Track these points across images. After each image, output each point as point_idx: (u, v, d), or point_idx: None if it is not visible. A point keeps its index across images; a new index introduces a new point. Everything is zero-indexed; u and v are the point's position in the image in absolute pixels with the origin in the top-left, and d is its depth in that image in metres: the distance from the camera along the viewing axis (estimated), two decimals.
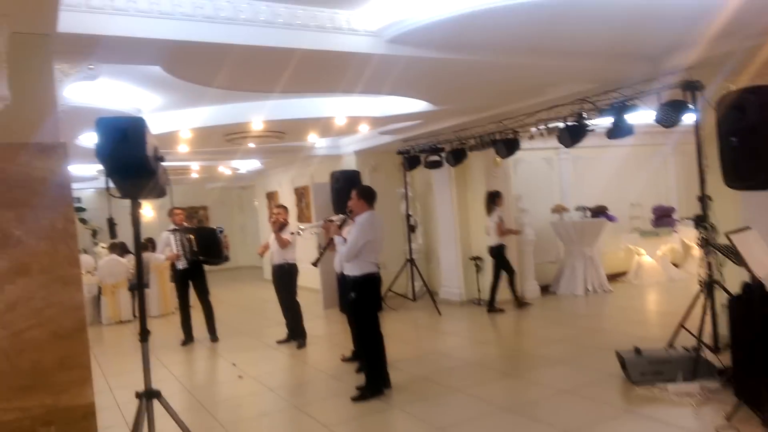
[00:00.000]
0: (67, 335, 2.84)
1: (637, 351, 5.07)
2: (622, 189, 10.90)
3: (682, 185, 12.04)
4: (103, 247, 11.84)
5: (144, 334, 3.25)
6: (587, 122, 6.05)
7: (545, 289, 9.78)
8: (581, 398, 4.79)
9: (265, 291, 13.16)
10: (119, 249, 11.19)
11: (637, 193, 11.00)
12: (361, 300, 5.16)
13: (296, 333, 7.42)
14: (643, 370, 4.95)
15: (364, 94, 6.01)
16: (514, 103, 6.46)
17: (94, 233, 15.26)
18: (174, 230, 7.85)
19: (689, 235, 10.57)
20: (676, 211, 10.74)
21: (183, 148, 8.44)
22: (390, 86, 5.31)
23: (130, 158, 3.10)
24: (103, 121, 3.16)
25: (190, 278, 7.83)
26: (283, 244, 7.13)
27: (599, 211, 9.63)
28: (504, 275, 8.62)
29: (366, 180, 9.84)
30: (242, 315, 10.20)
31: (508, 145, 7.06)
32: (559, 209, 9.77)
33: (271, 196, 14.06)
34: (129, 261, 10.94)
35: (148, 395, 3.23)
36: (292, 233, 7.12)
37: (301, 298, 7.49)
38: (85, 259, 12.03)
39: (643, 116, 5.65)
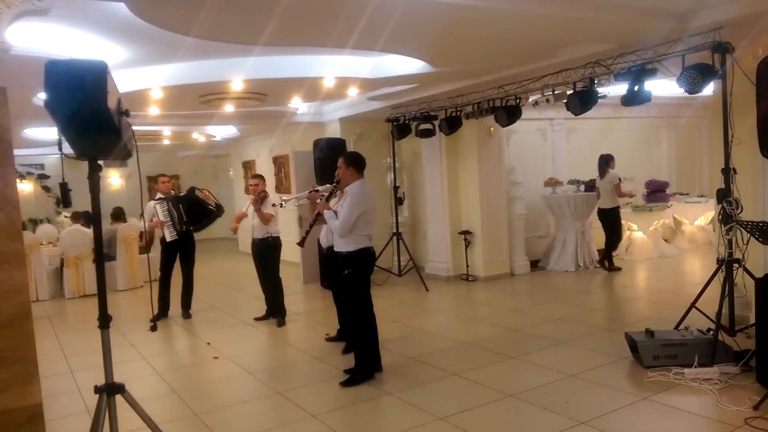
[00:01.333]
0: (7, 323, 2.32)
1: (649, 333, 4.72)
2: (621, 163, 10.55)
3: (675, 159, 11.79)
4: (66, 217, 11.11)
5: (104, 320, 2.71)
6: (598, 88, 5.58)
7: (534, 264, 9.45)
8: (590, 383, 4.44)
9: (241, 264, 12.62)
10: (83, 219, 10.51)
11: (629, 167, 10.67)
12: (355, 276, 4.70)
13: (276, 310, 6.94)
14: (656, 353, 4.61)
15: (356, 51, 5.43)
16: (519, 66, 5.94)
17: (58, 202, 14.42)
18: (160, 199, 7.24)
19: (681, 211, 10.37)
20: (670, 185, 10.46)
21: (153, 110, 7.76)
22: (385, 40, 4.75)
23: (89, 111, 2.53)
24: (54, 64, 2.57)
25: (178, 250, 7.28)
26: (266, 220, 6.59)
27: (592, 185, 9.26)
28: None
29: (350, 149, 9.29)
30: (217, 289, 9.64)
31: (509, 113, 6.57)
32: (552, 182, 9.38)
33: (247, 166, 13.40)
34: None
35: (110, 390, 2.71)
36: (274, 205, 6.56)
37: (281, 272, 7.00)
38: (48, 229, 11.33)
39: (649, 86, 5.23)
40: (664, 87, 6.91)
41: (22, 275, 2.41)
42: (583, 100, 5.57)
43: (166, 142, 12.17)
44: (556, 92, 6.02)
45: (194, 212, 7.27)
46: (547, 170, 10.10)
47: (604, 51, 5.24)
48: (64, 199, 2.79)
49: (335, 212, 4.76)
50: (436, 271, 9.19)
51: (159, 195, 7.31)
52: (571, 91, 5.73)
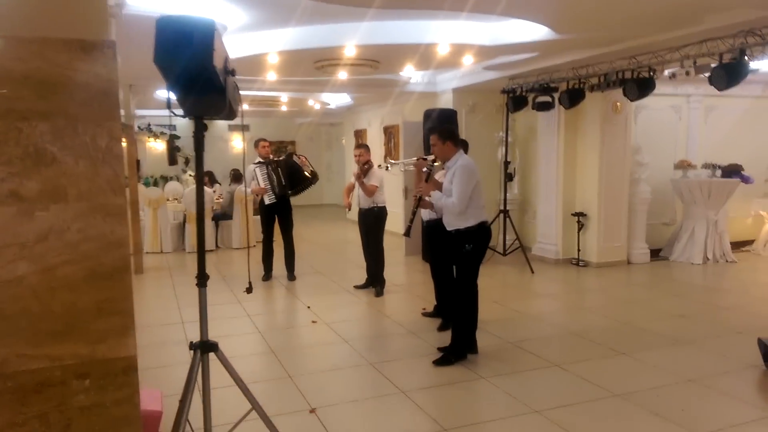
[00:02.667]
0: (107, 275, 2.38)
1: None
2: (759, 147, 9.39)
3: None
4: (190, 176, 11.86)
5: (201, 278, 2.76)
6: (749, 61, 4.86)
7: (655, 254, 8.70)
8: (711, 391, 3.97)
9: (348, 231, 12.85)
10: (207, 178, 11.15)
11: None
12: (474, 252, 4.51)
13: (376, 280, 6.95)
14: None
15: (474, 14, 5.13)
16: (656, 34, 5.32)
17: (187, 161, 15.47)
18: (260, 163, 7.47)
19: None
20: None
21: (271, 75, 7.94)
22: (506, 3, 4.42)
23: (195, 68, 2.53)
24: (164, 20, 2.59)
25: (276, 213, 7.51)
26: (369, 193, 6.55)
27: (732, 170, 8.29)
28: None
29: (462, 121, 9.02)
30: (322, 254, 9.87)
31: (640, 85, 5.95)
32: (683, 165, 8.51)
33: (359, 134, 13.51)
34: (215, 190, 10.86)
35: (204, 347, 2.78)
36: (379, 166, 6.47)
37: (384, 243, 6.96)
38: (174, 187, 12.16)
39: None
40: None
41: (123, 229, 2.46)
42: (730, 75, 4.88)
43: (283, 108, 12.55)
44: (697, 64, 5.34)
45: (292, 177, 7.38)
46: (678, 151, 9.18)
47: (759, 18, 4.52)
48: (170, 157, 2.84)
49: (439, 190, 4.58)
50: (543, 252, 8.74)
51: (258, 159, 7.51)
52: (716, 64, 5.05)
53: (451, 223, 4.53)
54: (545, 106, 7.59)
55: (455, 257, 4.63)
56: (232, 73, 2.82)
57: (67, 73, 2.35)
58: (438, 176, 4.95)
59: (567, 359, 4.58)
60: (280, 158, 7.69)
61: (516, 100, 7.95)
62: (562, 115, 8.17)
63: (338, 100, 12.26)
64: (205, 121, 2.81)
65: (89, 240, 2.32)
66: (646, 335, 5.19)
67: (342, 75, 7.60)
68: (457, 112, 8.53)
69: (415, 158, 5.45)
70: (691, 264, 8.29)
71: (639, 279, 7.63)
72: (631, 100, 6.20)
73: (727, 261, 8.33)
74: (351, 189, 6.90)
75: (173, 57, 2.54)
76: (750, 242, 9.23)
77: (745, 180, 8.27)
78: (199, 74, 2.56)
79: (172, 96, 2.70)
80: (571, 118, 8.23)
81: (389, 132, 11.66)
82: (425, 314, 5.90)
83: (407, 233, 5.02)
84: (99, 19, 2.55)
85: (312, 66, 6.97)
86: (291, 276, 7.66)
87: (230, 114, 2.87)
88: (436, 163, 5.56)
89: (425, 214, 5.53)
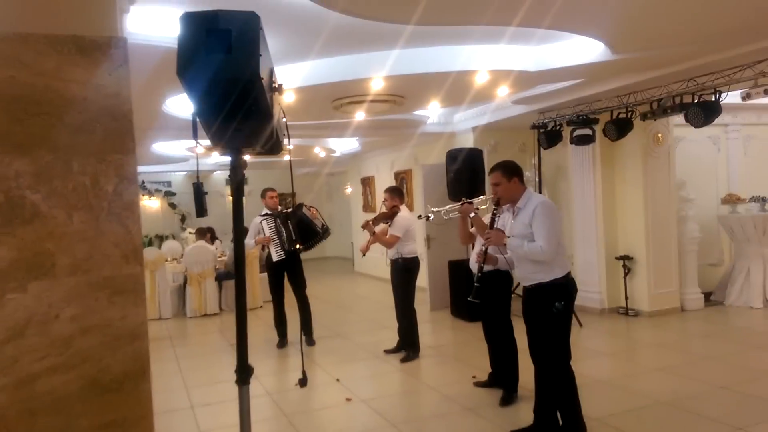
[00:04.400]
0: (115, 386, 1.57)
1: None
2: None
3: None
4: (190, 233, 11.03)
5: (243, 373, 1.93)
6: None
7: (706, 298, 7.87)
8: None
9: (358, 285, 11.97)
10: (208, 234, 10.33)
11: None
12: (565, 312, 3.67)
13: (406, 343, 6.06)
14: None
15: (515, 37, 4.47)
16: (726, 50, 4.69)
17: (183, 219, 14.67)
18: (267, 215, 6.68)
19: None
20: None
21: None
22: (557, 12, 3.75)
23: (233, 77, 1.77)
24: (191, 17, 1.84)
25: (285, 270, 6.66)
26: (387, 244, 5.79)
27: None
28: None
29: (486, 162, 8.31)
30: (337, 313, 8.95)
31: (706, 110, 5.28)
32: (732, 199, 7.80)
33: (366, 182, 12.80)
34: (217, 248, 10.02)
35: None
36: (420, 216, 5.67)
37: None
38: (173, 245, 11.30)
39: None
40: None
41: (140, 313, 1.63)
42: None
43: (286, 158, 11.85)
44: None
45: (302, 230, 6.60)
46: (720, 185, 8.50)
47: None
48: (199, 206, 2.04)
49: (507, 235, 3.79)
50: (585, 302, 7.89)
51: (265, 211, 6.73)
52: None
53: (531, 277, 3.70)
54: (585, 140, 6.89)
55: (537, 321, 3.77)
56: (279, 89, 2.07)
57: (56, 85, 1.59)
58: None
59: None
60: (289, 210, 6.92)
61: (549, 135, 7.27)
62: (598, 150, 7.50)
63: (345, 147, 11.60)
64: (244, 158, 2.03)
65: (88, 333, 1.52)
66: (756, 402, 4.31)
67: (359, 115, 6.92)
68: (482, 151, 7.85)
69: (459, 203, 4.70)
70: (750, 308, 7.46)
71: (702, 329, 6.76)
72: (696, 127, 5.50)
73: None
74: (371, 242, 6.04)
75: (203, 63, 1.79)
76: None
77: None
78: (238, 86, 1.80)
79: (198, 121, 1.94)
80: (608, 153, 7.55)
81: (401, 177, 10.96)
82: (477, 384, 5.01)
83: (476, 297, 4.16)
84: (103, 8, 1.79)
85: (329, 105, 6.28)
86: (310, 341, 6.76)
87: (275, 146, 2.09)
88: (483, 206, 4.83)
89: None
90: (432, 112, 8.47)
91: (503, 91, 5.97)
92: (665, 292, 7.40)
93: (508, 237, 3.76)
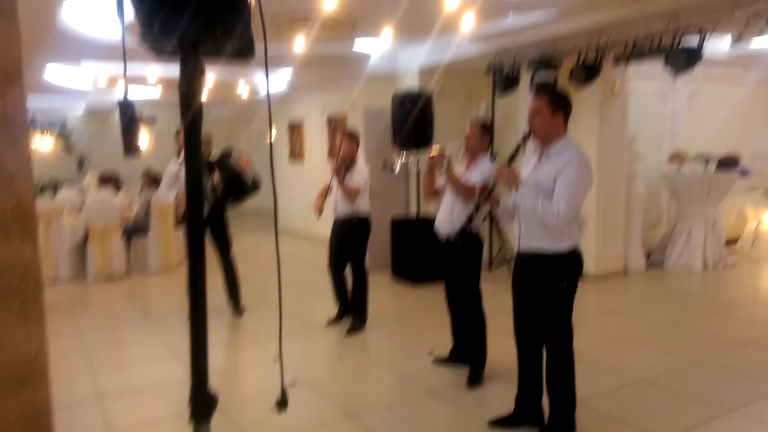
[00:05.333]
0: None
1: None
2: (741, 136, 8.76)
3: None
4: (92, 180, 9.65)
5: (201, 406, 1.25)
6: None
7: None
8: None
9: (286, 244, 11.09)
10: (113, 183, 9.05)
11: (760, 143, 8.90)
12: (567, 292, 3.09)
13: (356, 313, 5.40)
14: None
15: None
16: None
17: (81, 162, 13.01)
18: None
19: None
20: None
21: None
22: None
23: None
24: None
25: (207, 228, 5.74)
26: (352, 194, 5.04)
27: (729, 163, 7.51)
28: None
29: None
30: (268, 277, 8.11)
31: (689, 55, 4.79)
32: (679, 158, 7.63)
33: (294, 128, 11.78)
34: (125, 198, 8.81)
35: None
36: (385, 167, 4.90)
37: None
38: (70, 195, 9.88)
39: None
40: None
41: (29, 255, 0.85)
42: None
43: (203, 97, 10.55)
44: None
45: (231, 182, 5.72)
46: (664, 142, 8.34)
47: None
48: (128, 137, 1.36)
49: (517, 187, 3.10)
50: None
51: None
52: None
53: (531, 241, 3.09)
54: (546, 85, 6.31)
55: (530, 298, 3.21)
56: None
57: None
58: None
59: (668, 425, 3.33)
60: (215, 156, 5.95)
61: (506, 80, 6.65)
62: None
63: (270, 88, 10.45)
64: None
65: None
66: (737, 378, 4.05)
67: (299, 42, 5.88)
68: (432, 96, 7.16)
69: (432, 150, 4.01)
70: (690, 270, 7.42)
71: (652, 293, 6.56)
72: (676, 73, 5.01)
73: (724, 266, 7.52)
74: (327, 191, 5.29)
75: None
76: (734, 242, 8.57)
77: (744, 173, 7.52)
78: None
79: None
80: None
81: (334, 123, 10.07)
82: (438, 360, 4.47)
83: (460, 237, 3.57)
84: None
85: (268, 25, 5.27)
86: (237, 309, 5.95)
87: (247, 47, 1.36)
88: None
89: (447, 225, 4.08)
90: (375, 48, 7.59)
91: (468, 22, 5.17)
92: (611, 255, 7.19)
93: (522, 183, 3.07)
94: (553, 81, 6.24)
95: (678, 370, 4.21)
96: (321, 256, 5.88)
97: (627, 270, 7.36)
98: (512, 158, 3.17)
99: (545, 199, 2.95)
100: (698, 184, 7.39)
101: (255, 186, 5.85)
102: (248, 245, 10.61)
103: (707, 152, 7.74)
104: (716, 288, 6.75)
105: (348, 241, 5.26)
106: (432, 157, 3.92)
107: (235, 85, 9.55)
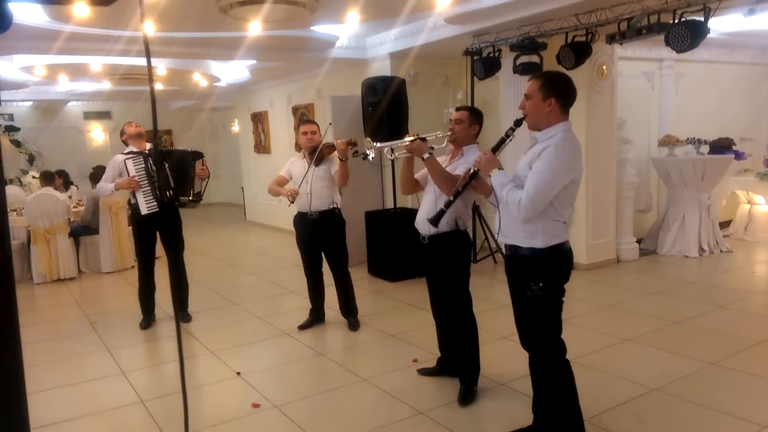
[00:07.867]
0: None
1: None
2: (729, 118, 8.39)
3: None
4: (34, 177, 8.82)
5: None
6: None
7: None
8: None
9: (253, 237, 10.47)
10: (60, 180, 8.30)
11: (747, 126, 8.56)
12: (546, 297, 2.62)
13: (348, 309, 4.98)
14: None
15: None
16: None
17: (31, 159, 12.11)
18: (133, 154, 5.00)
19: None
20: None
21: (149, 27, 5.46)
22: None
23: None
24: None
25: (158, 228, 5.06)
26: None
27: (723, 146, 7.12)
28: None
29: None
30: (229, 275, 7.48)
31: (692, 30, 4.31)
32: (671, 141, 7.20)
33: (258, 118, 11.08)
34: (71, 196, 8.05)
35: None
36: (356, 154, 4.30)
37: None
38: (15, 192, 9.06)
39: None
40: None
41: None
42: None
43: (158, 86, 9.80)
44: None
45: (182, 176, 5.09)
46: (652, 125, 7.93)
47: None
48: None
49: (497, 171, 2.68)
50: None
51: (131, 148, 5.07)
52: None
53: (508, 233, 2.69)
54: (531, 69, 5.77)
55: (513, 297, 2.77)
56: None
57: None
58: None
59: None
60: (165, 150, 5.28)
61: (486, 63, 6.11)
62: None
63: (231, 76, 9.76)
64: None
65: None
66: (763, 383, 3.59)
67: (254, 26, 5.33)
68: (405, 82, 6.61)
69: (409, 139, 3.43)
70: (685, 257, 7.01)
71: (650, 284, 6.03)
72: (678, 52, 4.52)
73: (722, 251, 7.16)
74: (283, 181, 4.78)
75: None
76: (726, 225, 8.21)
77: (739, 156, 7.13)
78: None
79: None
80: None
81: (300, 112, 9.41)
82: (423, 372, 3.91)
83: (437, 219, 3.16)
84: None
85: (215, 7, 4.64)
86: (185, 315, 5.32)
87: None
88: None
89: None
90: (342, 32, 6.99)
91: (443, 1, 4.62)
92: (603, 243, 6.74)
93: (499, 169, 2.70)
94: (540, 63, 5.72)
95: (695, 376, 3.72)
96: (290, 251, 5.27)
97: (619, 259, 6.92)
98: (499, 145, 2.78)
99: (513, 188, 2.58)
100: (692, 167, 6.96)
101: (195, 199, 5.19)
102: (212, 239, 9.95)
103: (695, 135, 7.34)
104: (715, 276, 6.32)
105: (329, 237, 4.76)
106: (412, 141, 3.35)
107: (190, 74, 8.82)
